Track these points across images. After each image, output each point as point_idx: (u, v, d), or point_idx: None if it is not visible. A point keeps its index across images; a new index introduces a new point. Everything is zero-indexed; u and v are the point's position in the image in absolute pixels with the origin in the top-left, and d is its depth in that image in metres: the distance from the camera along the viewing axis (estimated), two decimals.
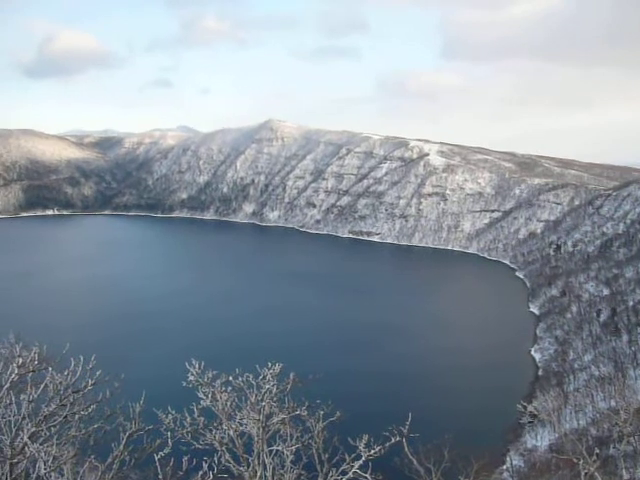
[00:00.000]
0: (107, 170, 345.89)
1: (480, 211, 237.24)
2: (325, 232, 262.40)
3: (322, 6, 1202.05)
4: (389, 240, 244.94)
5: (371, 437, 14.96)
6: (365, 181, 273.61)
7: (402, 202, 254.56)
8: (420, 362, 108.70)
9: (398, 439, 15.64)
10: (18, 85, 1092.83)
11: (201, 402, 16.06)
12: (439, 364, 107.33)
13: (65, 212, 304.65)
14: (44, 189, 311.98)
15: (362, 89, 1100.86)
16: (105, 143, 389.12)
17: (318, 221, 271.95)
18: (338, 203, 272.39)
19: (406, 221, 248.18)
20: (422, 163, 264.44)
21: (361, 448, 14.77)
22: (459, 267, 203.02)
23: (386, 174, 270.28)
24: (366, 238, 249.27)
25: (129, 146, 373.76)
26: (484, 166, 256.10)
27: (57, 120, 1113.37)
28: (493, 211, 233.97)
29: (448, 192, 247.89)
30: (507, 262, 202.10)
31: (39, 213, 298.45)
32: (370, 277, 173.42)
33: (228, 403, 16.03)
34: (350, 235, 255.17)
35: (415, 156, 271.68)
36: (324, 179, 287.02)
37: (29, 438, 14.14)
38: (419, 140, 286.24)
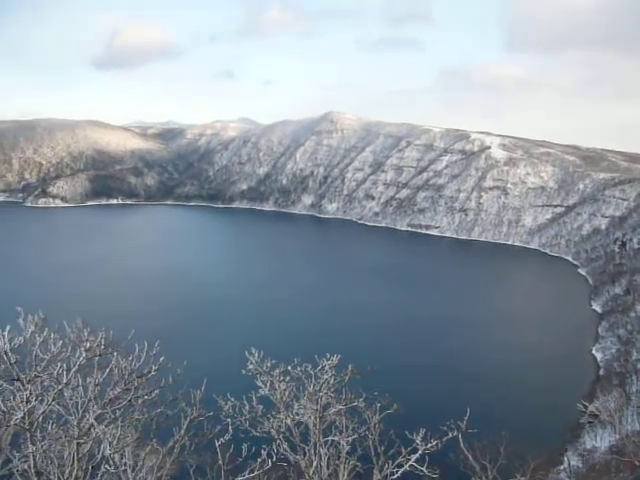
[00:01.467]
0: (169, 161, 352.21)
1: (542, 206, 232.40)
2: (383, 225, 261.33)
3: None
4: (448, 234, 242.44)
5: (428, 431, 14.95)
6: (425, 174, 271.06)
7: (462, 195, 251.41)
8: (480, 357, 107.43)
9: (455, 434, 15.61)
10: (86, 78, 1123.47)
11: (260, 391, 16.34)
12: (499, 359, 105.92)
13: (129, 201, 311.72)
14: (109, 179, 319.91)
15: (423, 81, 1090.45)
16: (168, 134, 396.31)
17: (376, 214, 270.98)
18: (397, 196, 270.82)
19: (466, 215, 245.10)
20: (483, 156, 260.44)
21: (418, 442, 14.77)
22: (520, 262, 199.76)
23: (446, 167, 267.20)
24: (424, 231, 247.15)
25: (191, 137, 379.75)
26: (547, 160, 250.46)
27: (122, 111, 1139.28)
28: (556, 206, 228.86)
29: (509, 186, 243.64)
30: (569, 258, 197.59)
31: (104, 202, 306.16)
32: (430, 271, 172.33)
33: (286, 392, 16.24)
34: (408, 228, 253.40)
35: (476, 149, 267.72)
36: (383, 171, 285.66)
37: (95, 420, 14.66)
38: (481, 133, 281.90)
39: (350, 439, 16.03)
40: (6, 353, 13.54)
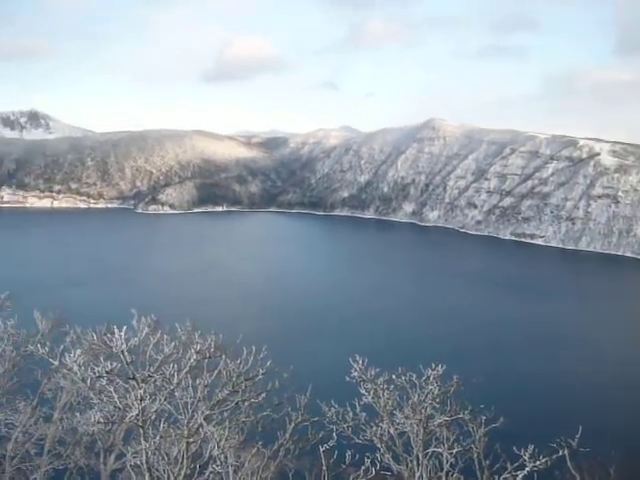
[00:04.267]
0: (272, 169, 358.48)
1: None
2: (486, 233, 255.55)
3: (488, 4, 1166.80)
4: (553, 243, 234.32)
5: (536, 447, 14.49)
6: (529, 182, 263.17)
7: (569, 204, 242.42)
8: (595, 373, 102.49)
9: (564, 452, 15.05)
10: (195, 90, 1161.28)
11: (363, 398, 16.33)
12: (615, 377, 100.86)
13: (233, 208, 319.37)
14: (215, 187, 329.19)
15: (527, 87, 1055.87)
16: (271, 143, 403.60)
17: (479, 222, 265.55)
18: (500, 204, 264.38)
19: (573, 224, 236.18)
20: (592, 163, 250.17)
21: (526, 458, 14.34)
22: (634, 275, 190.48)
23: (552, 174, 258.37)
24: (529, 241, 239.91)
25: (294, 146, 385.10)
26: None
27: (228, 121, 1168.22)
28: None
29: (620, 194, 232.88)
30: None
31: (209, 209, 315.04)
32: (536, 281, 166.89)
33: (390, 401, 16.16)
34: (512, 237, 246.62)
35: (584, 156, 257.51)
36: (486, 179, 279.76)
37: (203, 420, 15.14)
38: (589, 139, 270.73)
39: (454, 451, 15.77)
40: (122, 353, 14.21)
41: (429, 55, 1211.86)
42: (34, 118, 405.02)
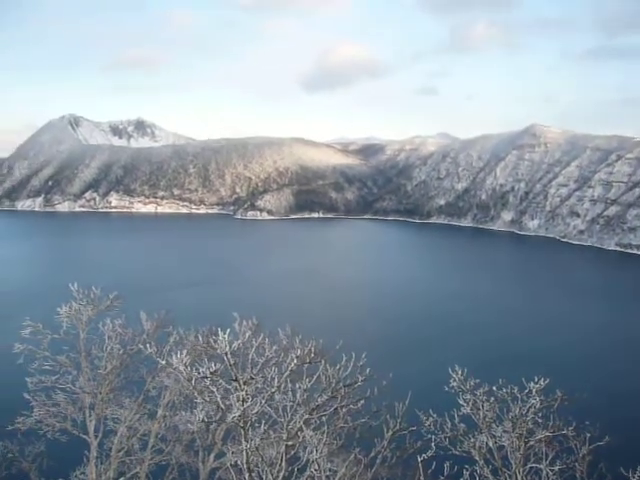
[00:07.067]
0: (369, 176, 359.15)
1: None
2: (588, 244, 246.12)
3: (595, 4, 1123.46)
4: None
5: None
6: (637, 189, 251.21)
7: None
8: None
9: None
10: (295, 97, 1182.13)
11: (461, 409, 16.08)
12: None
13: (329, 215, 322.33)
14: (311, 193, 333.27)
15: (637, 90, 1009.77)
16: (367, 150, 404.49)
17: (581, 232, 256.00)
18: (605, 213, 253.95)
19: None
20: None
21: None
22: None
23: None
24: (636, 252, 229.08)
25: (390, 153, 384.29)
26: None
27: (326, 129, 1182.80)
28: None
29: None
30: None
31: (306, 215, 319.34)
32: None
33: (489, 413, 15.84)
34: (617, 248, 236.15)
35: None
36: (590, 187, 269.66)
37: (303, 423, 15.36)
38: None
39: (556, 468, 15.28)
40: (226, 355, 14.61)
41: (533, 58, 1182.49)
42: (140, 127, 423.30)
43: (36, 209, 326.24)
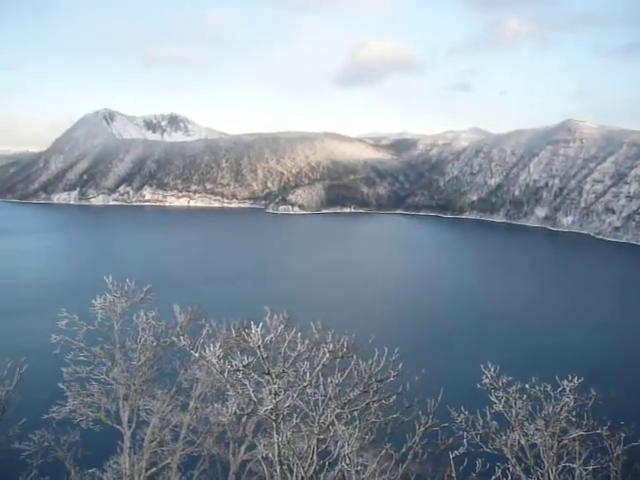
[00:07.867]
0: (400, 171, 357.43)
1: None
2: (624, 240, 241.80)
3: (630, 2, 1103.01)
4: None
5: None
6: None
7: None
8: None
9: None
10: (327, 93, 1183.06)
11: (494, 406, 15.93)
12: None
13: (360, 210, 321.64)
14: (343, 188, 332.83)
15: None
16: (400, 145, 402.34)
17: (617, 228, 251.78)
18: None
19: None
20: None
21: None
22: None
23: None
24: None
25: (422, 148, 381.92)
26: None
27: (358, 123, 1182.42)
28: None
29: None
30: None
31: (338, 210, 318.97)
32: None
33: (522, 411, 15.68)
34: None
35: None
36: (626, 183, 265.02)
37: (335, 418, 15.38)
38: None
39: (589, 468, 15.09)
40: (259, 348, 14.69)
41: (566, 54, 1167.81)
42: (174, 121, 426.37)
43: (71, 202, 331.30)
